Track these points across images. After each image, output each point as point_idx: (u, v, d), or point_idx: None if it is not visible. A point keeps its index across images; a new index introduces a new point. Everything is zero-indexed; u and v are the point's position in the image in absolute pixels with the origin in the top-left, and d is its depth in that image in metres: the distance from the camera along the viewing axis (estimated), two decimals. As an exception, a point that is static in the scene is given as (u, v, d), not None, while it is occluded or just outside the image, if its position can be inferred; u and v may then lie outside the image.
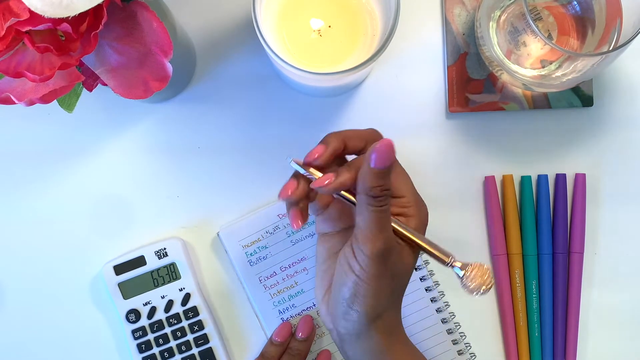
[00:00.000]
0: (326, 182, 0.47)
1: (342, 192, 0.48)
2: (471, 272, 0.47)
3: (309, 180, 0.48)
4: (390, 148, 0.44)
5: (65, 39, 0.40)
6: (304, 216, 0.49)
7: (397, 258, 0.47)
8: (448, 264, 0.48)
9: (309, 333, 0.60)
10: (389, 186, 0.45)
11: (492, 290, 0.63)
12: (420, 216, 0.50)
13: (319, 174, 0.48)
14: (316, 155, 0.48)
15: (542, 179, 0.62)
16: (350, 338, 0.49)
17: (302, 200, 0.49)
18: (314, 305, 0.62)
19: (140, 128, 0.62)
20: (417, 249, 0.49)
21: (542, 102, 0.61)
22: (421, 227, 0.50)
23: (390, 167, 0.45)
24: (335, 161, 0.49)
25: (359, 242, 0.46)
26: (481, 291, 0.47)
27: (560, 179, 0.62)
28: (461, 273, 0.47)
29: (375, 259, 0.46)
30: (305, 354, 0.61)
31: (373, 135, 0.51)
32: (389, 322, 0.49)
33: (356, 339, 0.48)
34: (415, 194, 0.51)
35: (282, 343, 0.60)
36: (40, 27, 0.37)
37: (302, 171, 0.48)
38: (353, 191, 0.48)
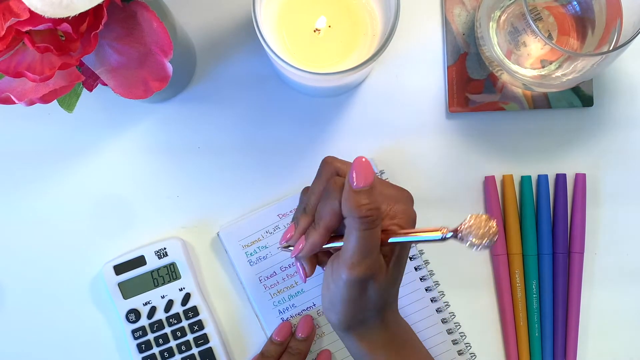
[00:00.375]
0: (300, 247, 0.49)
1: (326, 246, 0.49)
2: (464, 229, 0.43)
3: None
4: (366, 164, 0.44)
5: (65, 39, 0.40)
6: (308, 271, 0.52)
7: (376, 281, 0.47)
8: (443, 237, 0.44)
9: (309, 333, 0.60)
10: (376, 205, 0.45)
11: (492, 290, 0.62)
12: (407, 222, 0.49)
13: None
14: (287, 237, 0.50)
15: (542, 179, 0.62)
16: (339, 335, 0.52)
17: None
18: (314, 305, 0.62)
19: (140, 128, 0.62)
20: (400, 263, 0.49)
21: (542, 102, 0.61)
22: (408, 222, 0.49)
23: (372, 184, 0.44)
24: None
25: (340, 265, 0.46)
26: (484, 243, 0.43)
27: (560, 179, 0.62)
28: (458, 236, 0.43)
29: (351, 285, 0.46)
30: (305, 353, 0.61)
31: (329, 171, 0.49)
32: (367, 330, 0.50)
33: (342, 338, 0.52)
34: (381, 197, 0.48)
35: (282, 342, 0.60)
36: (40, 27, 0.37)
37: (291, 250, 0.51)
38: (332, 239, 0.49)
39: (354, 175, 0.44)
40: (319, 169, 0.50)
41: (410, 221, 0.49)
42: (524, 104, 0.61)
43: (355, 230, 0.45)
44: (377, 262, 0.46)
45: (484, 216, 0.43)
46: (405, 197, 0.50)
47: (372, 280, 0.47)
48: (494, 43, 0.57)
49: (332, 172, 0.49)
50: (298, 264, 0.51)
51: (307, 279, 0.51)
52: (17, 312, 0.62)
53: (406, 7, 0.59)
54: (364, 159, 0.44)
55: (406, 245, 0.49)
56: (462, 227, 0.43)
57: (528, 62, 0.57)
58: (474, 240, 0.43)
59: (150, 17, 0.42)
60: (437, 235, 0.45)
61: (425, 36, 0.62)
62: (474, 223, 0.43)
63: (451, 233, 0.44)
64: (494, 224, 0.43)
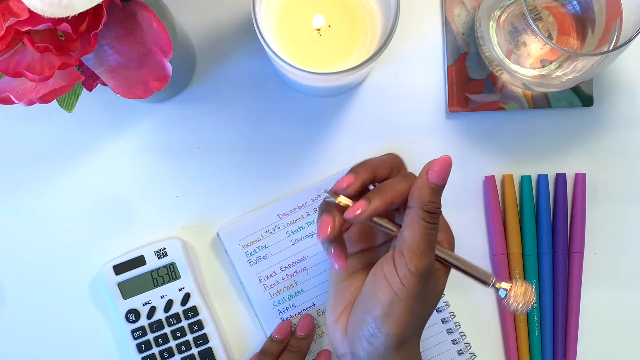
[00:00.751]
0: (358, 211, 0.45)
1: (375, 219, 0.47)
2: (515, 292, 0.46)
3: (341, 210, 0.46)
4: (449, 165, 0.44)
5: (65, 39, 0.40)
6: (345, 252, 0.47)
7: (434, 281, 0.46)
8: (490, 284, 0.47)
9: (309, 331, 0.61)
10: (440, 205, 0.45)
11: (492, 291, 0.62)
12: (449, 241, 0.49)
13: (348, 202, 0.46)
14: (345, 185, 0.46)
15: (542, 178, 0.62)
16: None
17: (340, 234, 0.47)
18: (314, 305, 0.62)
19: (140, 128, 0.62)
20: (446, 275, 0.48)
21: (542, 102, 0.61)
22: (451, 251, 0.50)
23: (444, 185, 0.45)
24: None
25: (405, 257, 0.44)
26: (526, 309, 0.46)
27: (560, 178, 0.62)
28: (504, 294, 0.46)
29: (418, 277, 0.44)
30: (305, 351, 0.61)
31: (396, 162, 0.49)
32: (412, 351, 0.47)
33: None
34: (443, 218, 0.50)
35: (282, 340, 0.60)
36: (40, 27, 0.37)
37: (333, 201, 0.46)
38: (384, 216, 0.47)
39: (435, 170, 0.44)
40: (386, 155, 0.49)
41: (447, 232, 0.50)
42: (524, 103, 0.61)
43: (423, 221, 0.44)
44: (434, 259, 0.46)
45: (529, 287, 0.46)
46: (449, 228, 0.50)
47: (432, 276, 0.46)
48: (494, 43, 0.57)
49: (399, 163, 0.49)
50: (336, 249, 0.47)
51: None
52: (17, 312, 0.62)
53: (406, 7, 0.59)
54: (448, 158, 0.44)
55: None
56: (511, 290, 0.46)
57: (528, 61, 0.57)
58: (514, 305, 0.46)
59: (150, 17, 0.42)
60: (487, 281, 0.47)
61: (425, 36, 0.62)
62: (520, 290, 0.46)
63: (501, 289, 0.47)
64: (535, 296, 0.46)
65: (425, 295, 0.45)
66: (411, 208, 0.45)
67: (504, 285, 0.46)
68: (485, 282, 0.47)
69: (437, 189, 0.45)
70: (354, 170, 0.47)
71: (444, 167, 0.44)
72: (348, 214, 0.45)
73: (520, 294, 0.46)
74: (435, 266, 0.46)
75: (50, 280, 0.62)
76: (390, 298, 0.45)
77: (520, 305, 0.46)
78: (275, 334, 0.61)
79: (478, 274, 0.47)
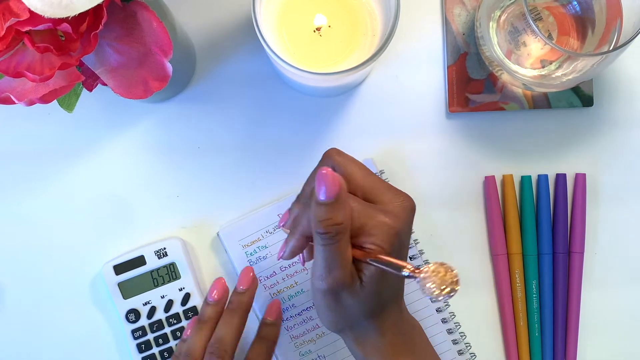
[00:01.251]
0: (280, 254, 0.50)
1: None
2: (425, 274, 0.40)
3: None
4: (328, 177, 0.43)
5: (65, 39, 0.40)
6: (295, 251, 0.50)
7: (350, 292, 0.46)
8: (406, 275, 0.42)
9: (250, 284, 0.57)
10: (339, 220, 0.43)
11: (492, 290, 0.62)
12: (385, 227, 0.46)
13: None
14: (281, 224, 0.51)
15: (542, 179, 0.62)
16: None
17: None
18: (314, 305, 0.62)
19: (140, 128, 0.62)
20: (378, 276, 0.46)
21: (542, 102, 0.61)
22: (386, 238, 0.46)
23: (337, 199, 0.43)
24: None
25: (312, 275, 0.47)
26: (445, 292, 0.40)
27: (560, 179, 0.62)
28: (415, 278, 0.41)
29: (322, 295, 0.47)
30: (247, 307, 0.57)
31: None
32: (360, 334, 0.49)
33: (340, 336, 0.52)
34: (360, 211, 0.46)
35: (218, 302, 0.57)
36: (40, 27, 0.37)
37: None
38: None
39: (317, 188, 0.43)
40: (320, 160, 0.50)
41: (388, 236, 0.45)
42: (524, 104, 0.61)
43: (317, 245, 0.45)
44: (346, 275, 0.45)
45: (446, 265, 0.41)
46: (394, 207, 0.47)
47: (345, 291, 0.46)
48: (494, 43, 0.57)
49: (329, 166, 0.48)
50: (288, 245, 0.50)
51: (281, 257, 0.50)
52: (16, 312, 0.62)
53: (406, 7, 0.59)
54: (324, 171, 0.43)
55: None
56: (422, 271, 0.41)
57: (528, 62, 0.57)
58: (431, 287, 0.40)
59: (150, 17, 0.42)
60: (400, 270, 0.42)
61: (425, 36, 0.62)
62: (434, 270, 0.40)
63: (409, 273, 0.42)
64: (456, 275, 0.41)
65: (339, 306, 0.47)
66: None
67: (413, 269, 0.41)
68: (399, 270, 0.42)
69: (325, 206, 0.43)
70: (291, 206, 0.51)
71: (323, 181, 0.43)
72: (277, 259, 0.52)
73: (437, 275, 0.40)
74: (347, 281, 0.46)
75: (50, 280, 0.62)
76: (314, 302, 0.50)
77: (434, 285, 0.40)
78: (210, 297, 0.57)
79: (393, 264, 0.43)
